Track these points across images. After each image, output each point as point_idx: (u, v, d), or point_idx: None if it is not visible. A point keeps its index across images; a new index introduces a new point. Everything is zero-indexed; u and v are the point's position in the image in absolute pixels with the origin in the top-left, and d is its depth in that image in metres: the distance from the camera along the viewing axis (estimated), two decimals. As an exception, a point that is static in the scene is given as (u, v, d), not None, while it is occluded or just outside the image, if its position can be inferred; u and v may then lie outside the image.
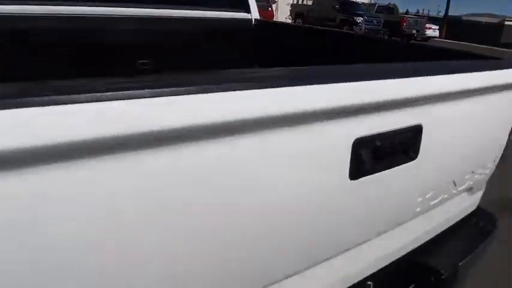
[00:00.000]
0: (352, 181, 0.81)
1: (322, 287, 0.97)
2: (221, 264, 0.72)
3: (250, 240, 0.74)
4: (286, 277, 0.86)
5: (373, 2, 29.90)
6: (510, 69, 1.17)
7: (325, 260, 0.94)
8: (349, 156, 0.78)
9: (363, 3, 23.14)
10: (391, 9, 23.88)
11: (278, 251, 0.80)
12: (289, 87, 0.63)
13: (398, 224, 1.12)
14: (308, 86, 0.65)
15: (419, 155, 0.96)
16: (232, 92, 0.57)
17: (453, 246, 1.43)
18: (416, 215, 1.14)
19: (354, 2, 21.50)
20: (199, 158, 0.59)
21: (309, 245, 0.86)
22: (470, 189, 1.39)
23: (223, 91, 0.56)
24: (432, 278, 1.34)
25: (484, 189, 1.56)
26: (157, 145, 0.54)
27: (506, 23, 17.10)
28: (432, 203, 1.17)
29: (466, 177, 1.27)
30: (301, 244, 0.84)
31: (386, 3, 26.95)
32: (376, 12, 22.65)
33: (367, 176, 0.84)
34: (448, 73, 0.90)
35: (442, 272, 1.31)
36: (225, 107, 0.57)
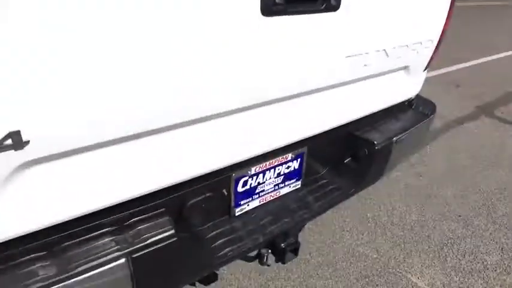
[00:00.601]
0: (265, 17, 0.82)
1: (242, 135, 1.02)
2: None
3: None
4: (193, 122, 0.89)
5: None
6: None
7: (247, 109, 0.97)
8: (258, -13, 0.79)
9: None
10: None
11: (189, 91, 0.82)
12: None
13: (332, 86, 1.15)
14: None
15: (340, 7, 0.97)
16: None
17: (390, 123, 1.51)
18: (347, 77, 1.17)
19: None
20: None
21: (228, 86, 0.88)
22: (406, 68, 1.44)
23: None
24: (366, 150, 1.42)
25: (424, 76, 1.62)
26: None
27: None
28: (364, 68, 1.20)
29: (400, 50, 1.30)
30: (216, 85, 0.86)
31: None
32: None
33: (282, 16, 0.85)
34: None
35: (376, 143, 1.39)
36: None
